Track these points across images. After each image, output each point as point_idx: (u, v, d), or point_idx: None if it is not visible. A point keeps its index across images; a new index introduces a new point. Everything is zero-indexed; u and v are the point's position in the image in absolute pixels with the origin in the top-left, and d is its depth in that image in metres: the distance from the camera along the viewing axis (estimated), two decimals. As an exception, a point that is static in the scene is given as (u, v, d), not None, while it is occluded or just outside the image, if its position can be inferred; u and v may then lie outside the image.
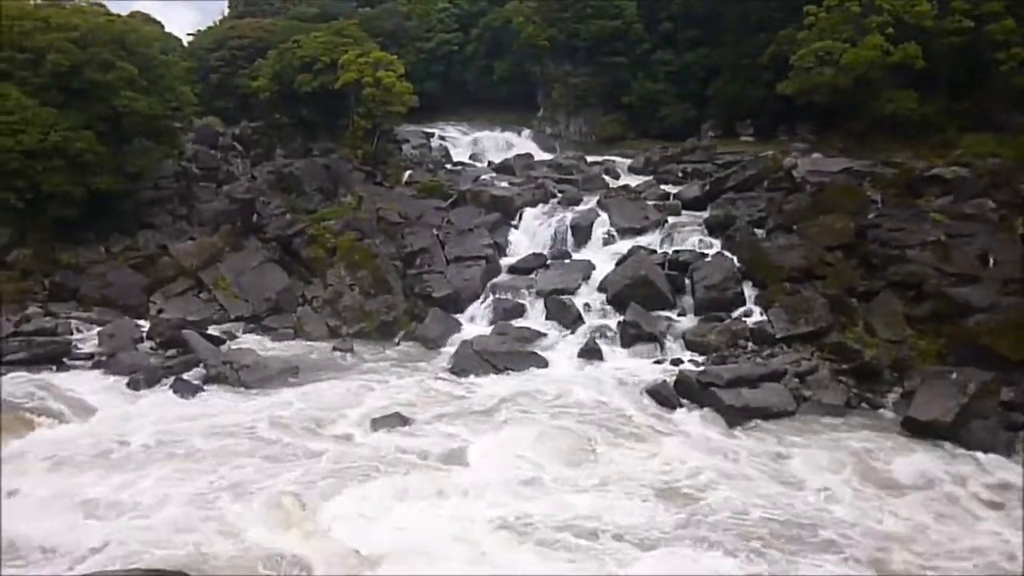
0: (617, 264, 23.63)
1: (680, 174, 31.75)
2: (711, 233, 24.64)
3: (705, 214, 26.11)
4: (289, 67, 34.55)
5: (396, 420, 16.10)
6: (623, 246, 24.86)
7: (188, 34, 49.66)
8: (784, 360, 18.78)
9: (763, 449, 15.16)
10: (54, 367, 19.44)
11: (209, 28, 49.37)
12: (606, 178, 32.39)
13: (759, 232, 24.03)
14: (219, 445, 14.95)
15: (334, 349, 21.63)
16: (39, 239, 25.83)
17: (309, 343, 22.32)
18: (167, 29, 44.28)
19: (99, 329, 21.82)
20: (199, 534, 11.69)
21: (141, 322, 22.79)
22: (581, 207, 27.61)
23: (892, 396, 17.69)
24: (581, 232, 26.06)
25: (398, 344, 22.35)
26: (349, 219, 26.43)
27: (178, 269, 25.72)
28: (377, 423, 16.00)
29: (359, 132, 33.37)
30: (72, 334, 21.72)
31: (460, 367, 19.64)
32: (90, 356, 20.25)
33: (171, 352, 20.42)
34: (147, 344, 21.08)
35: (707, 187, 27.89)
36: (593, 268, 23.96)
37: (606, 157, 37.06)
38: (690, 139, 36.98)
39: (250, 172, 32.67)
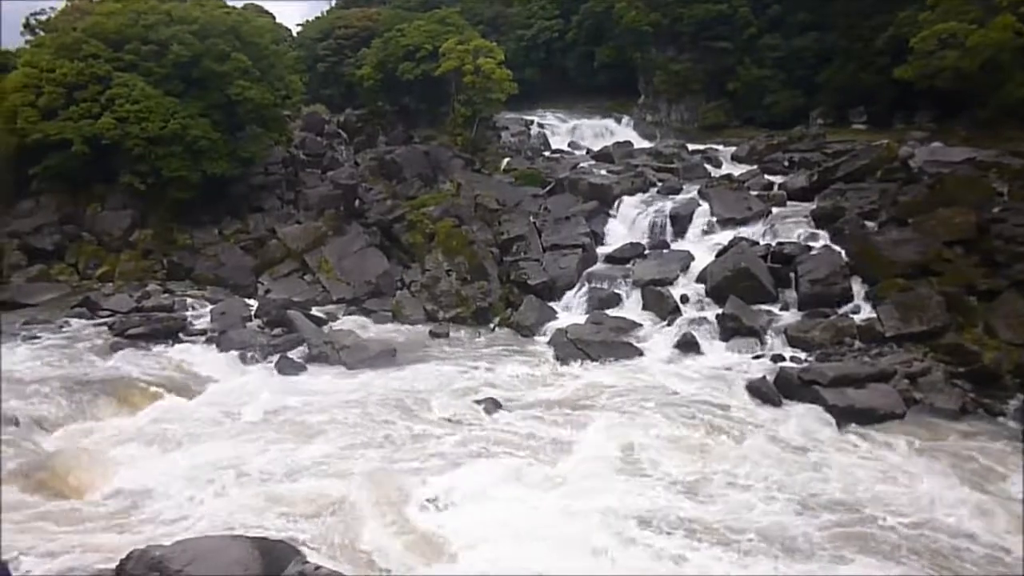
0: (717, 255, 23.03)
1: (786, 163, 30.65)
2: (818, 225, 23.65)
3: (812, 205, 25.07)
4: (392, 55, 35.25)
5: (491, 405, 16.25)
6: (724, 237, 24.23)
7: (297, 24, 51.39)
8: (894, 360, 17.85)
9: (871, 452, 14.46)
10: (170, 342, 20.45)
11: (317, 18, 50.88)
12: (708, 167, 31.62)
13: (870, 225, 22.86)
14: (321, 422, 15.46)
15: (431, 333, 22.03)
16: (159, 221, 27.43)
17: (407, 326, 22.84)
18: (278, 20, 45.93)
19: (211, 307, 22.97)
20: (301, 504, 12.12)
21: (250, 301, 23.84)
22: (681, 196, 27.06)
23: (1013, 403, 16.49)
24: (680, 222, 25.55)
25: (493, 330, 22.58)
26: (448, 205, 26.81)
27: (285, 251, 26.77)
28: (472, 407, 16.17)
29: (459, 119, 33.76)
30: (187, 311, 22.91)
31: (555, 355, 19.65)
32: (203, 332, 21.24)
33: (277, 331, 21.23)
34: (255, 322, 21.97)
35: (815, 177, 26.78)
36: (692, 259, 23.46)
37: (708, 145, 36.21)
38: (798, 127, 35.62)
39: (353, 159, 33.63)
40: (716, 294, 21.52)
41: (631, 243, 25.25)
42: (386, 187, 29.63)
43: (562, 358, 19.44)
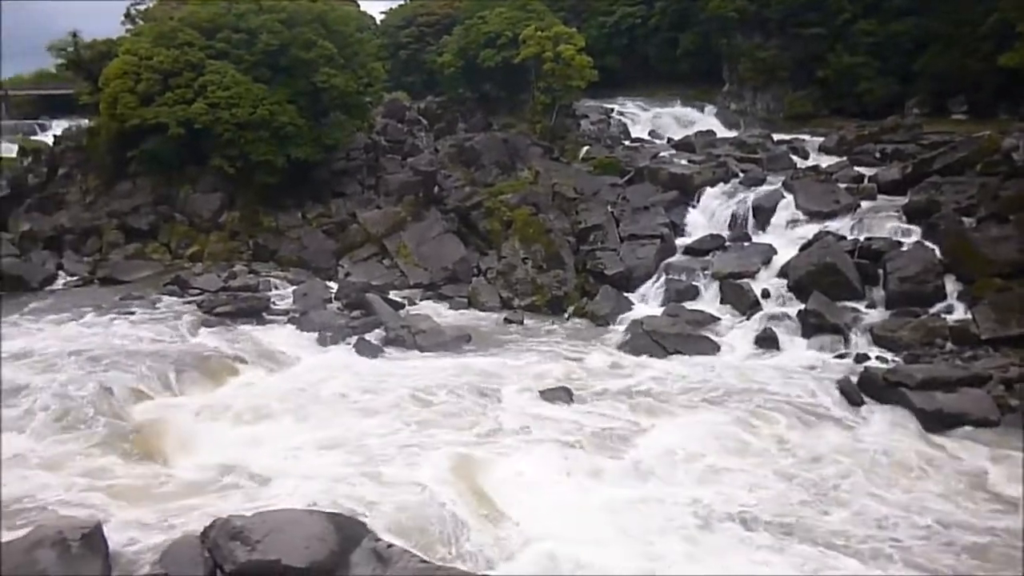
0: (801, 249, 22.32)
1: (878, 155, 29.39)
2: (910, 220, 22.59)
3: (904, 199, 23.96)
4: (474, 43, 35.38)
5: (563, 394, 16.20)
6: (809, 230, 23.40)
7: (381, 12, 52.13)
8: (989, 364, 16.92)
9: (966, 462, 13.73)
10: (254, 321, 21.12)
11: (400, 6, 51.53)
12: (793, 158, 30.65)
13: (967, 221, 21.73)
14: (396, 403, 15.70)
15: (505, 320, 22.13)
16: (246, 204, 28.36)
17: (482, 313, 23.02)
18: (362, 8, 46.72)
19: (293, 288, 23.65)
20: (375, 482, 12.35)
21: (330, 283, 24.43)
22: (765, 188, 26.26)
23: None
24: (763, 214, 24.82)
25: (567, 319, 22.52)
26: (525, 193, 26.81)
27: (365, 236, 27.30)
28: (545, 395, 16.18)
29: (538, 107, 33.66)
30: (271, 291, 23.67)
31: (629, 346, 19.46)
32: (285, 312, 21.88)
33: (355, 313, 21.65)
34: (335, 304, 22.47)
35: (908, 169, 25.58)
36: (774, 252, 22.80)
37: (795, 135, 35.08)
38: (892, 117, 34.08)
39: (433, 145, 33.95)
40: (799, 289, 20.87)
41: (711, 235, 24.73)
42: (465, 174, 29.84)
43: (637, 349, 19.22)
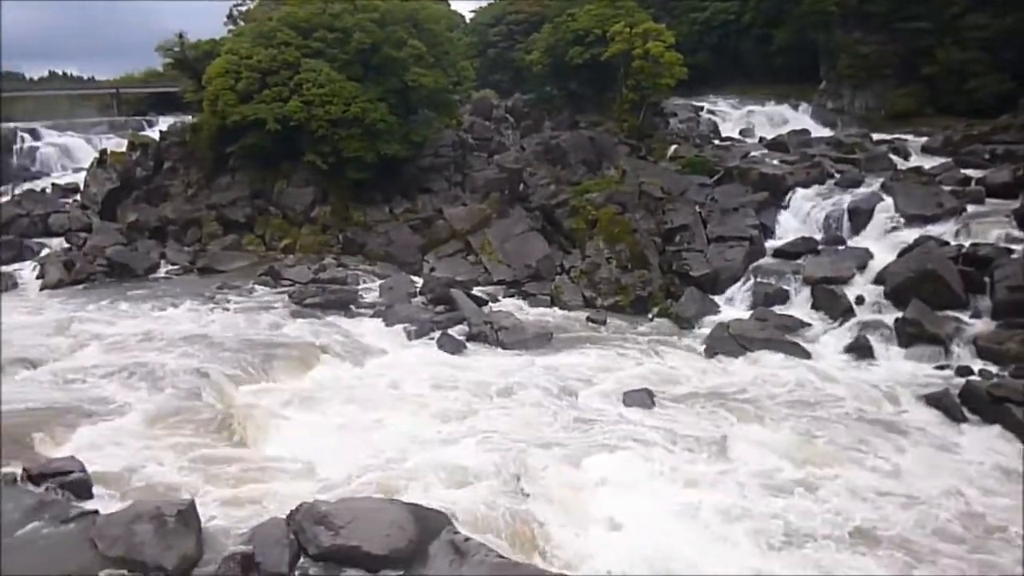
0: (900, 254, 21.32)
1: (987, 156, 27.78)
2: (1021, 225, 21.29)
3: (1015, 203, 22.57)
4: (562, 40, 35.32)
5: (645, 396, 15.96)
6: (908, 235, 22.35)
7: (471, 11, 52.69)
8: (1108, 381, 15.82)
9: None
10: (342, 312, 21.62)
11: (490, 4, 51.91)
12: (894, 158, 29.31)
13: (1087, 228, 20.37)
14: (476, 398, 15.83)
15: (588, 319, 21.98)
16: (337, 199, 29.15)
17: (564, 312, 22.89)
18: (452, 7, 47.30)
19: (380, 282, 24.16)
20: (456, 476, 12.42)
21: (415, 278, 24.84)
22: (862, 189, 25.25)
23: None
24: (860, 217, 23.85)
25: (651, 320, 22.20)
26: (611, 192, 26.56)
27: (450, 232, 27.62)
28: (626, 397, 15.99)
29: (626, 105, 33.34)
30: (358, 284, 24.23)
31: (714, 350, 19.01)
32: (371, 305, 22.32)
33: (439, 308, 21.90)
34: (419, 299, 22.83)
35: (1020, 172, 24.12)
36: (870, 257, 21.87)
37: (895, 135, 33.58)
38: (1004, 116, 32.06)
39: (519, 143, 34.09)
40: (896, 297, 19.93)
41: (803, 237, 23.94)
42: (550, 172, 29.81)
43: (722, 353, 18.77)
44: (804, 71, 40.90)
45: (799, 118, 38.52)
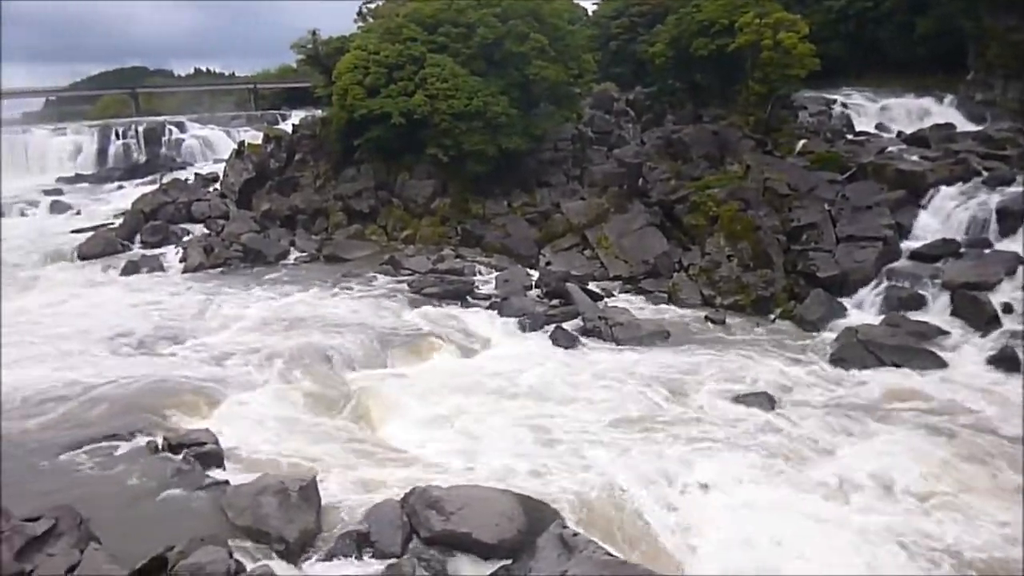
0: (1055, 260, 19.64)
1: None
2: None
3: None
4: (687, 31, 34.39)
5: (764, 400, 15.42)
6: (1066, 239, 20.57)
7: (593, 3, 52.20)
8: None
9: None
10: (459, 303, 22.00)
11: (613, -3, 51.23)
12: (1051, 155, 26.92)
13: None
14: (587, 394, 15.76)
15: (706, 319, 21.41)
16: (456, 191, 29.67)
17: (681, 310, 22.40)
18: (574, 1, 47.01)
19: (496, 274, 24.41)
20: (565, 471, 12.44)
21: (531, 271, 24.94)
22: (1013, 188, 23.26)
23: None
24: (1010, 218, 22.01)
25: (773, 322, 21.36)
26: (734, 188, 25.72)
27: (567, 226, 27.57)
28: (742, 399, 15.49)
29: (752, 98, 32.09)
30: (475, 276, 24.59)
31: (840, 355, 18.08)
32: (487, 297, 22.58)
33: (554, 302, 21.94)
34: (535, 292, 22.92)
35: None
36: (1021, 262, 20.20)
37: (1054, 130, 30.76)
38: None
39: (640, 137, 33.56)
40: (1050, 305, 18.37)
41: (943, 239, 22.36)
42: (671, 167, 29.20)
43: (848, 359, 17.84)
44: (949, 61, 38.05)
45: (943, 111, 35.90)
